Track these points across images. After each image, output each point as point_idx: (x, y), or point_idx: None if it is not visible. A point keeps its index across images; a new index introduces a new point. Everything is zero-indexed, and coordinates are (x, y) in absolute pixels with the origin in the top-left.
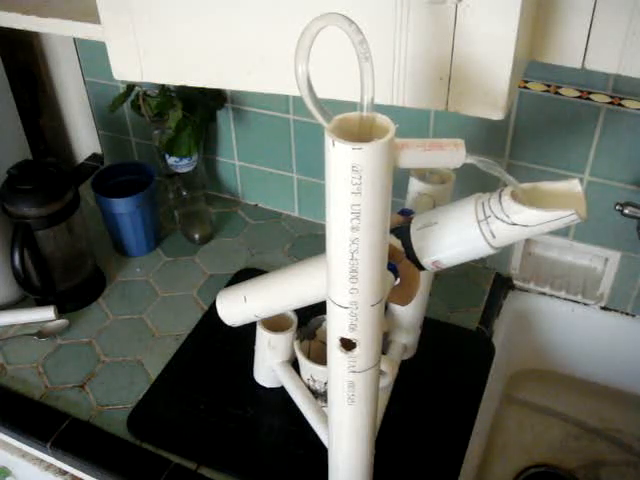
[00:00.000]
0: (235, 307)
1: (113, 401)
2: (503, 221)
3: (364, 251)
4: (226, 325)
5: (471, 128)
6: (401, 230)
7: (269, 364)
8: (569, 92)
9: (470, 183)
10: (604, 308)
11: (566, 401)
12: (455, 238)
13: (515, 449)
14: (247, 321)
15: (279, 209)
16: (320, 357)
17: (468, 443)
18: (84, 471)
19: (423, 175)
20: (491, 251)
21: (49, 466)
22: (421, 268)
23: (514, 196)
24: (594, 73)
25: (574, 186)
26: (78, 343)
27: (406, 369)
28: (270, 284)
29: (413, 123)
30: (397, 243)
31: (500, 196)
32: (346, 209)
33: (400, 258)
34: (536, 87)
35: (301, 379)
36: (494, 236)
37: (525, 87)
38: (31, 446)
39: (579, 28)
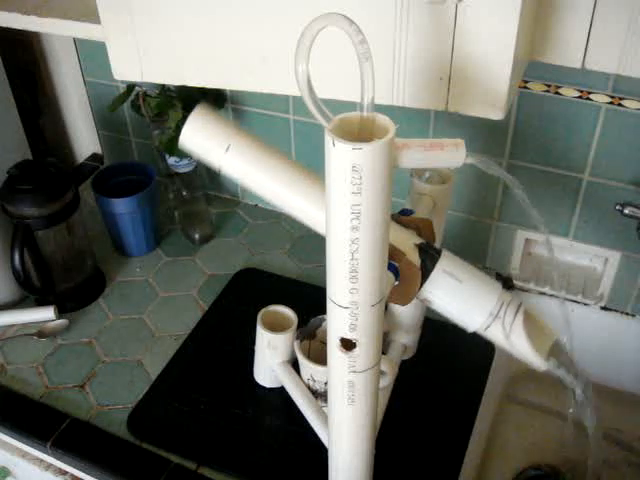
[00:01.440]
0: (207, 144)
1: (113, 401)
2: (504, 329)
3: (364, 251)
4: (226, 325)
5: (471, 128)
6: (430, 256)
7: (269, 364)
8: (569, 92)
9: (470, 183)
10: (604, 308)
11: (566, 401)
12: (462, 306)
13: (515, 449)
14: (207, 162)
15: (279, 209)
16: (320, 357)
17: (468, 443)
18: (84, 471)
19: (423, 175)
20: (473, 331)
21: (49, 466)
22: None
23: (526, 320)
24: (594, 73)
25: (552, 334)
26: (78, 343)
27: (406, 369)
28: (265, 162)
29: (413, 123)
30: (415, 259)
31: (517, 311)
32: (346, 209)
33: (400, 258)
34: (536, 87)
35: (301, 379)
36: (485, 330)
37: (525, 87)
38: (31, 446)
39: (579, 28)
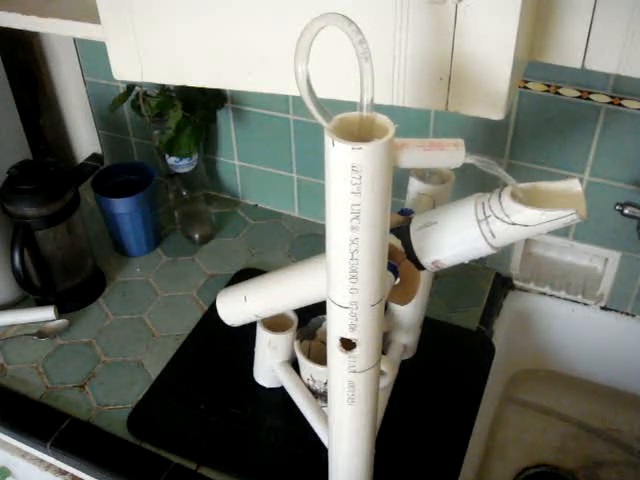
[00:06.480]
0: (235, 307)
1: (113, 401)
2: (503, 221)
3: (364, 251)
4: (226, 325)
5: (471, 128)
6: (401, 230)
7: (269, 364)
8: (569, 92)
9: (470, 183)
10: (604, 308)
11: (566, 401)
12: (455, 238)
13: (515, 449)
14: (247, 321)
15: (279, 209)
16: (320, 357)
17: (468, 443)
18: (84, 471)
19: (423, 175)
20: (491, 251)
21: (49, 466)
22: (421, 268)
23: (514, 196)
24: (594, 73)
25: (574, 185)
26: (78, 343)
27: (406, 369)
28: (270, 284)
29: (413, 123)
30: (397, 243)
31: (500, 196)
32: (346, 209)
33: (400, 258)
34: (536, 87)
35: (301, 379)
36: (494, 236)
37: (525, 87)
38: (31, 446)
39: (579, 28)
